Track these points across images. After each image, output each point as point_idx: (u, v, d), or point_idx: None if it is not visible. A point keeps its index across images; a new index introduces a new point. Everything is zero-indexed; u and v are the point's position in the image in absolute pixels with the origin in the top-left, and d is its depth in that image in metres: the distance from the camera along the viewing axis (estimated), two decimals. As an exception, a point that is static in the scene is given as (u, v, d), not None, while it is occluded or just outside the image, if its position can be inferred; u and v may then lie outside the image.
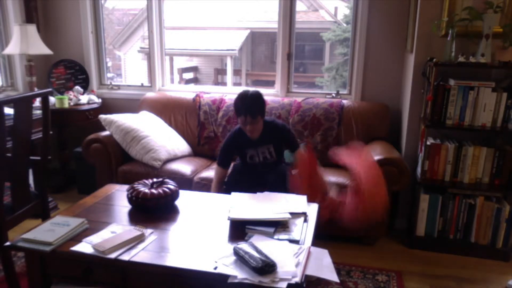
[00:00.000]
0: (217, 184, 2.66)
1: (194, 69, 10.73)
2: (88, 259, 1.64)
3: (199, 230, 1.89)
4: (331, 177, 2.83)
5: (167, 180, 2.20)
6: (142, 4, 3.88)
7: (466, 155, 2.70)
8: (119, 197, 2.24)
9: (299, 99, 3.37)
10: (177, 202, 2.15)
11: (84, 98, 3.69)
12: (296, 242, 1.73)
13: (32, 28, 3.37)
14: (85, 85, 3.92)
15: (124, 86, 4.04)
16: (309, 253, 1.64)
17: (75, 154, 3.66)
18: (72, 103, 3.61)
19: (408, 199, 3.09)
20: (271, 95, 3.60)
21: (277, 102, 3.37)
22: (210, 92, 3.65)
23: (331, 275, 1.58)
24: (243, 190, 2.21)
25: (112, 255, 1.60)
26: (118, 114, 3.27)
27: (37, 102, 3.20)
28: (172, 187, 2.12)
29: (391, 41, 3.31)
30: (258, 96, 2.53)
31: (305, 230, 1.84)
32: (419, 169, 2.85)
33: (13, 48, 3.33)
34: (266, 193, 2.21)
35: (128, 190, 2.08)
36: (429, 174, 2.77)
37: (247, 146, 2.62)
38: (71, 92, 3.71)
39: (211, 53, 9.80)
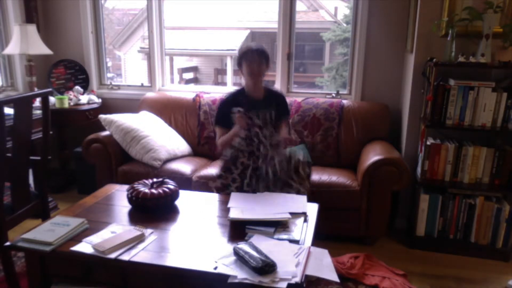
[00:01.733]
0: (223, 142, 2.45)
1: (194, 69, 10.73)
2: (88, 259, 1.64)
3: (199, 230, 1.89)
4: (333, 177, 2.83)
5: (167, 180, 2.20)
6: (142, 4, 3.88)
7: (466, 155, 2.70)
8: (119, 197, 2.24)
9: (299, 99, 3.37)
10: (177, 202, 2.15)
11: (84, 98, 3.69)
12: (296, 242, 1.73)
13: (32, 28, 3.37)
14: (85, 85, 3.92)
15: (124, 86, 4.05)
16: (309, 253, 1.64)
17: (75, 154, 3.66)
18: (72, 103, 3.61)
19: (408, 199, 3.09)
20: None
21: (277, 102, 3.36)
22: (210, 92, 3.65)
23: (331, 275, 1.58)
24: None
25: (112, 255, 1.60)
26: (118, 114, 3.27)
27: (37, 102, 3.20)
28: (172, 187, 2.12)
29: (391, 41, 3.31)
30: (264, 48, 2.47)
31: (305, 230, 1.84)
32: (419, 169, 2.85)
33: (13, 48, 3.33)
34: (266, 193, 2.21)
35: (128, 190, 2.08)
36: (429, 174, 2.77)
37: (248, 107, 2.38)
38: (71, 92, 3.71)
39: (211, 53, 9.80)
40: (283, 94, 2.65)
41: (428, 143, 2.76)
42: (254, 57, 2.36)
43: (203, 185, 2.83)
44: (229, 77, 9.35)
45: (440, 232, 2.82)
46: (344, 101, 3.32)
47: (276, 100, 2.51)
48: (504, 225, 2.69)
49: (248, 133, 2.33)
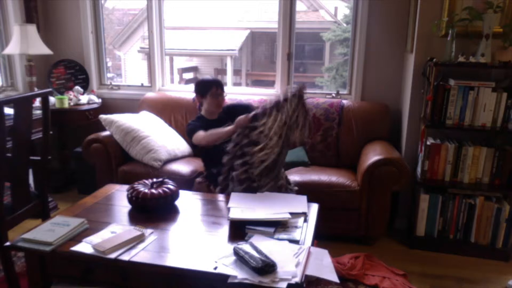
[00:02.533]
0: (213, 133, 2.54)
1: (194, 69, 10.72)
2: (88, 259, 1.64)
3: (199, 230, 1.89)
4: (332, 177, 2.83)
5: (167, 180, 2.19)
6: (142, 4, 3.89)
7: (466, 155, 2.70)
8: (119, 197, 2.24)
9: (299, 99, 3.36)
10: (177, 202, 2.15)
11: (84, 98, 3.69)
12: (296, 242, 1.73)
13: (32, 28, 3.37)
14: (85, 85, 3.92)
15: (124, 86, 4.05)
16: (309, 253, 1.64)
17: (75, 154, 3.66)
18: (72, 103, 3.61)
19: (408, 199, 3.09)
20: (271, 95, 3.60)
21: (277, 102, 3.36)
22: (210, 92, 3.64)
23: (331, 275, 1.57)
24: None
25: (112, 255, 1.60)
26: (118, 114, 3.27)
27: (37, 102, 3.20)
28: (172, 187, 2.12)
29: (391, 41, 3.31)
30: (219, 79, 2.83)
31: (305, 230, 1.84)
32: (419, 169, 2.85)
33: (13, 48, 3.33)
34: (266, 193, 2.21)
35: (128, 190, 2.08)
36: (429, 174, 2.77)
37: (207, 129, 2.56)
38: (71, 92, 3.71)
39: (211, 53, 9.80)
40: (228, 105, 2.87)
41: (428, 143, 2.76)
42: (218, 91, 2.72)
43: (206, 188, 2.81)
44: (229, 77, 9.34)
45: (440, 232, 2.82)
46: (344, 101, 3.33)
47: (227, 114, 2.70)
48: (504, 225, 2.69)
49: (237, 137, 2.37)
